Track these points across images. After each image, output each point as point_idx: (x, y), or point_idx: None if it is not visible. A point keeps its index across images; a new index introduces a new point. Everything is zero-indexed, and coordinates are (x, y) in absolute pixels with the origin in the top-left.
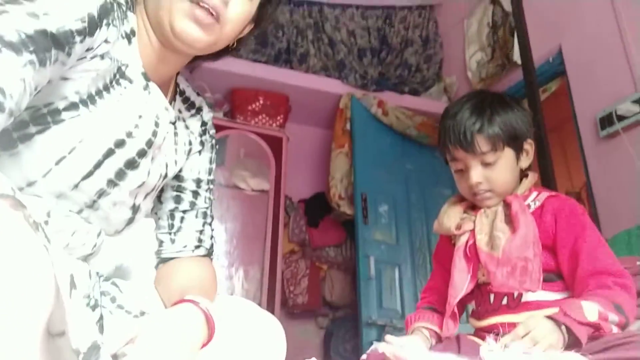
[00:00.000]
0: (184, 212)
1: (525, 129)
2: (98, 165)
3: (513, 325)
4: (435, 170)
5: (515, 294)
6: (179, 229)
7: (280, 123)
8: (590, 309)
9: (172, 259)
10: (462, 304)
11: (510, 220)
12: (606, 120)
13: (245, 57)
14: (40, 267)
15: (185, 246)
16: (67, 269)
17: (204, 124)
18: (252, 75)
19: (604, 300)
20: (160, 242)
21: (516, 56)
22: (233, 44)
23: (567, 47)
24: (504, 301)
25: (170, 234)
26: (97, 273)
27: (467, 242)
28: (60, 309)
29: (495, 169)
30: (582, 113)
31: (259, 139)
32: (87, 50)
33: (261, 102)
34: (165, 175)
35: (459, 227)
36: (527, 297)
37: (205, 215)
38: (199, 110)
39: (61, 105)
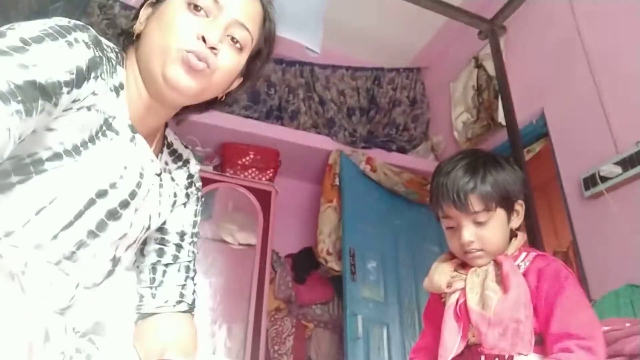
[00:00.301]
0: (167, 265)
1: (517, 189)
2: (79, 215)
3: None
4: (423, 227)
5: (507, 356)
6: (161, 283)
7: (270, 177)
8: None
9: (152, 314)
10: None
11: (501, 280)
12: (590, 181)
13: (237, 112)
14: (13, 319)
15: (166, 301)
16: (42, 322)
17: (190, 176)
18: (244, 130)
19: None
20: (141, 297)
21: (501, 118)
22: (222, 97)
23: (549, 110)
24: None
25: (151, 287)
26: (74, 328)
27: (457, 301)
28: None
29: (487, 229)
30: (566, 174)
31: (248, 193)
32: (74, 101)
33: (251, 156)
34: (148, 227)
35: (449, 285)
36: (518, 359)
37: (188, 269)
38: (186, 162)
39: (45, 155)
